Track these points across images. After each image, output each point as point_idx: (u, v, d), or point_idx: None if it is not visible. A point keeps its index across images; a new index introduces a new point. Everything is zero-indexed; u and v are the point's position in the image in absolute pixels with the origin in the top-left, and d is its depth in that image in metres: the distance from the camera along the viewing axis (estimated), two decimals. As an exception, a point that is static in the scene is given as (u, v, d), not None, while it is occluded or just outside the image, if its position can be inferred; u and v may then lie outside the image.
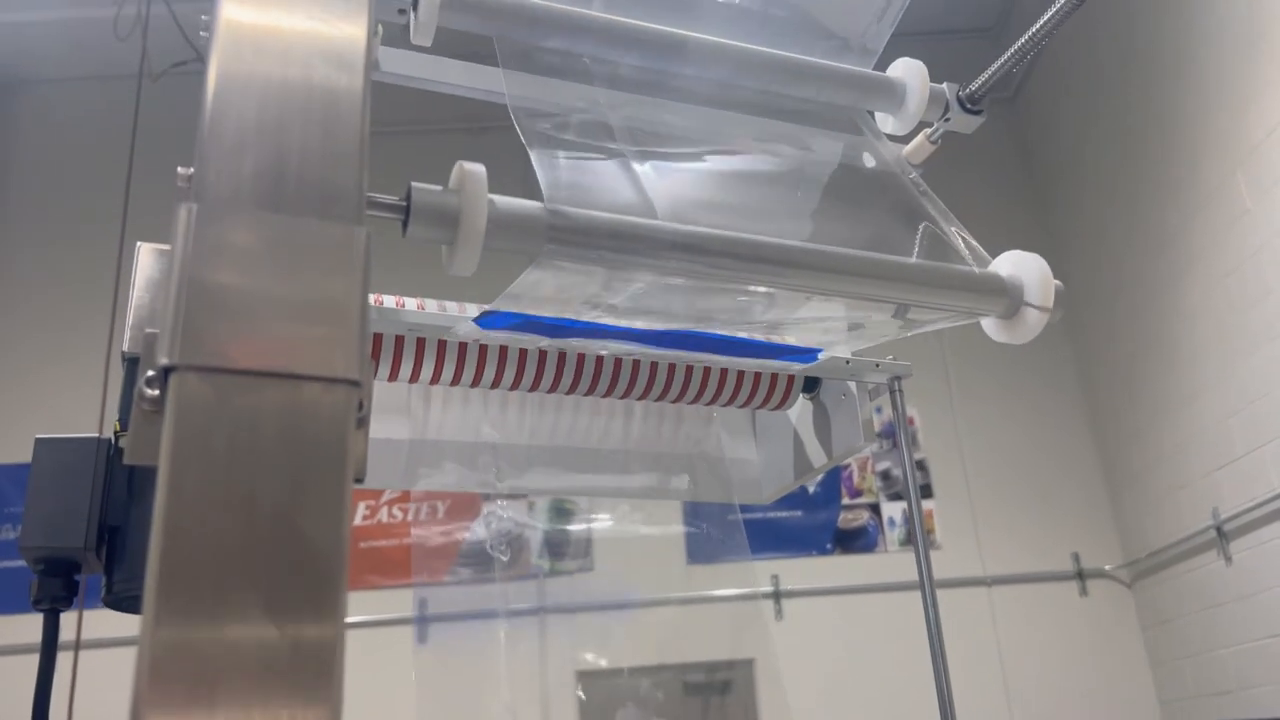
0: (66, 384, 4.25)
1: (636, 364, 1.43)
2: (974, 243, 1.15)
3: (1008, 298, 1.12)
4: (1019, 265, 1.14)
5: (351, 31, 0.82)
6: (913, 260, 1.11)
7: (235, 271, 0.64)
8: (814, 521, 4.92)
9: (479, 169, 0.99)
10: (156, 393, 0.60)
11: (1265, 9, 3.58)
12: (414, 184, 0.99)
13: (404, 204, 0.97)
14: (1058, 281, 1.12)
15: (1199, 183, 4.01)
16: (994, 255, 1.17)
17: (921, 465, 4.96)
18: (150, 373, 0.61)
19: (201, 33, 0.85)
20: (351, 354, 0.64)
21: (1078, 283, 5.01)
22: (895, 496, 4.95)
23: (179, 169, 0.86)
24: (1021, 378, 5.05)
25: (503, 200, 1.01)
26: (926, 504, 4.92)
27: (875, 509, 4.95)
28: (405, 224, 0.97)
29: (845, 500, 4.96)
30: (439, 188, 0.99)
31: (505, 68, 1.29)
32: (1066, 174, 5.23)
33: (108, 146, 4.12)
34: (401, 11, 1.23)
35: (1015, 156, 5.54)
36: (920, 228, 1.17)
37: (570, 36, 1.27)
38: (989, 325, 1.15)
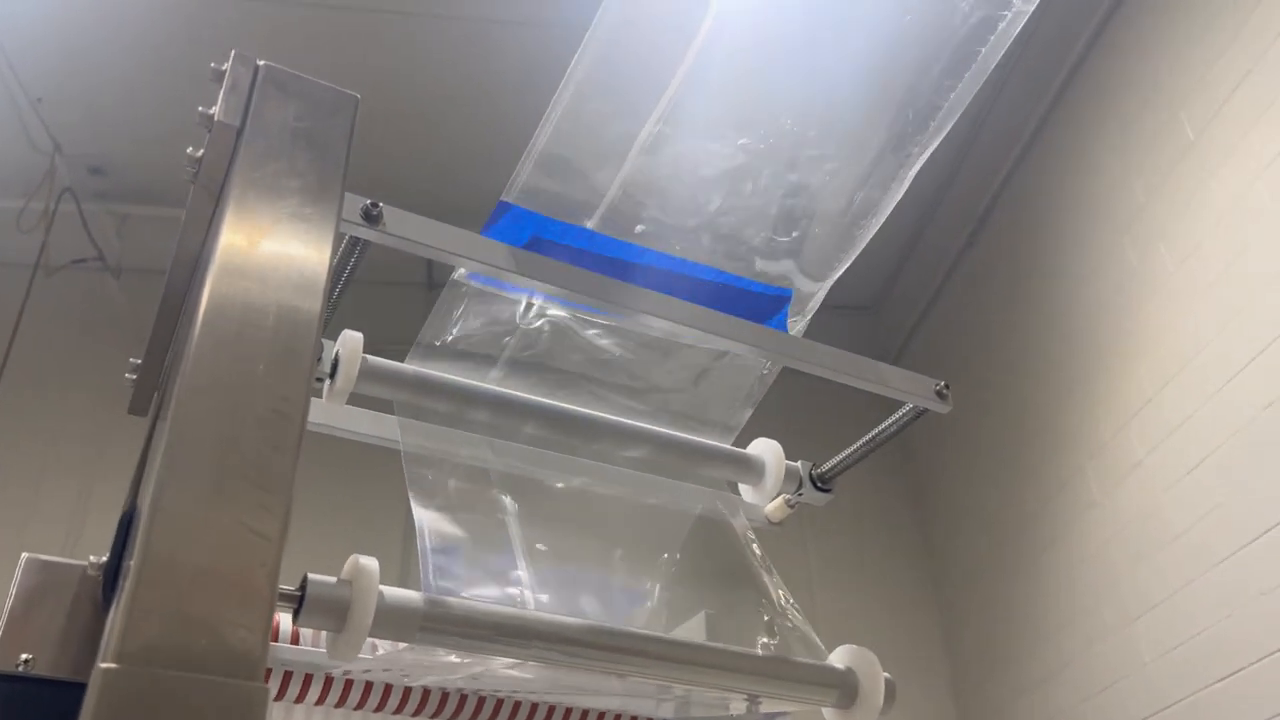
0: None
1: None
2: (810, 634, 1.28)
3: (844, 690, 1.24)
4: (855, 659, 1.28)
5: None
6: (759, 654, 1.23)
7: None
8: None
9: (372, 564, 1.09)
10: None
11: (1110, 316, 4.02)
12: (310, 575, 1.07)
13: (299, 594, 1.06)
14: (887, 674, 1.26)
15: (1053, 471, 4.34)
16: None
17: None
18: None
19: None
20: None
21: (946, 557, 5.26)
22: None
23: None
24: (887, 656, 5.16)
25: (391, 592, 1.10)
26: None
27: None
28: (297, 613, 1.06)
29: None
30: (333, 579, 1.08)
31: (401, 416, 1.42)
32: (936, 448, 5.58)
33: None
34: (319, 380, 1.36)
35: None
36: (764, 611, 1.30)
37: (467, 405, 1.41)
38: (828, 712, 1.27)
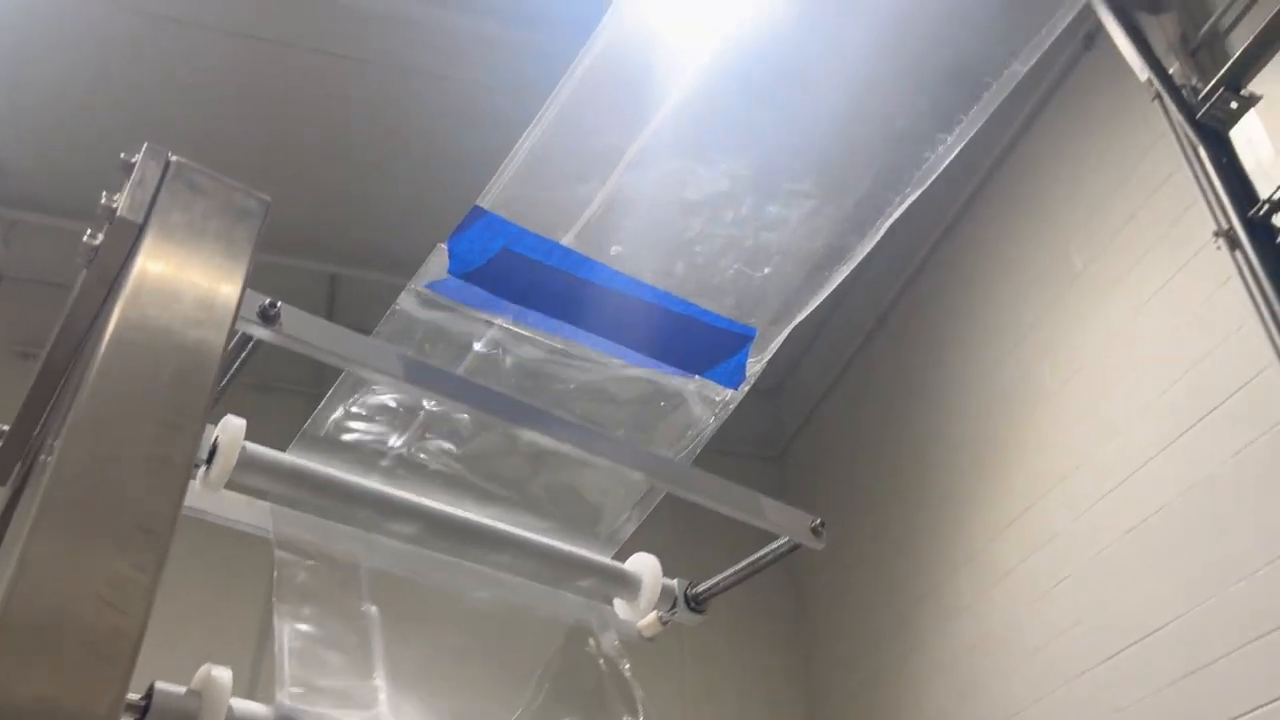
0: None
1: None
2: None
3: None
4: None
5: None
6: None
7: None
8: None
9: (224, 676, 1.06)
10: None
11: (992, 428, 4.18)
12: (157, 684, 1.04)
13: (143, 703, 1.02)
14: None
15: (927, 574, 4.46)
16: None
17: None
18: None
19: None
20: None
21: (824, 666, 5.31)
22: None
23: None
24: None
25: (241, 706, 1.07)
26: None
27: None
28: (140, 721, 1.02)
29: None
30: (182, 690, 1.05)
31: (276, 504, 1.39)
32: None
33: None
34: (196, 466, 1.33)
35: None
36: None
37: (346, 500, 1.39)
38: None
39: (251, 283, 1.04)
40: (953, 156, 1.49)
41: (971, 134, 1.48)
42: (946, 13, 1.55)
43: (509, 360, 1.45)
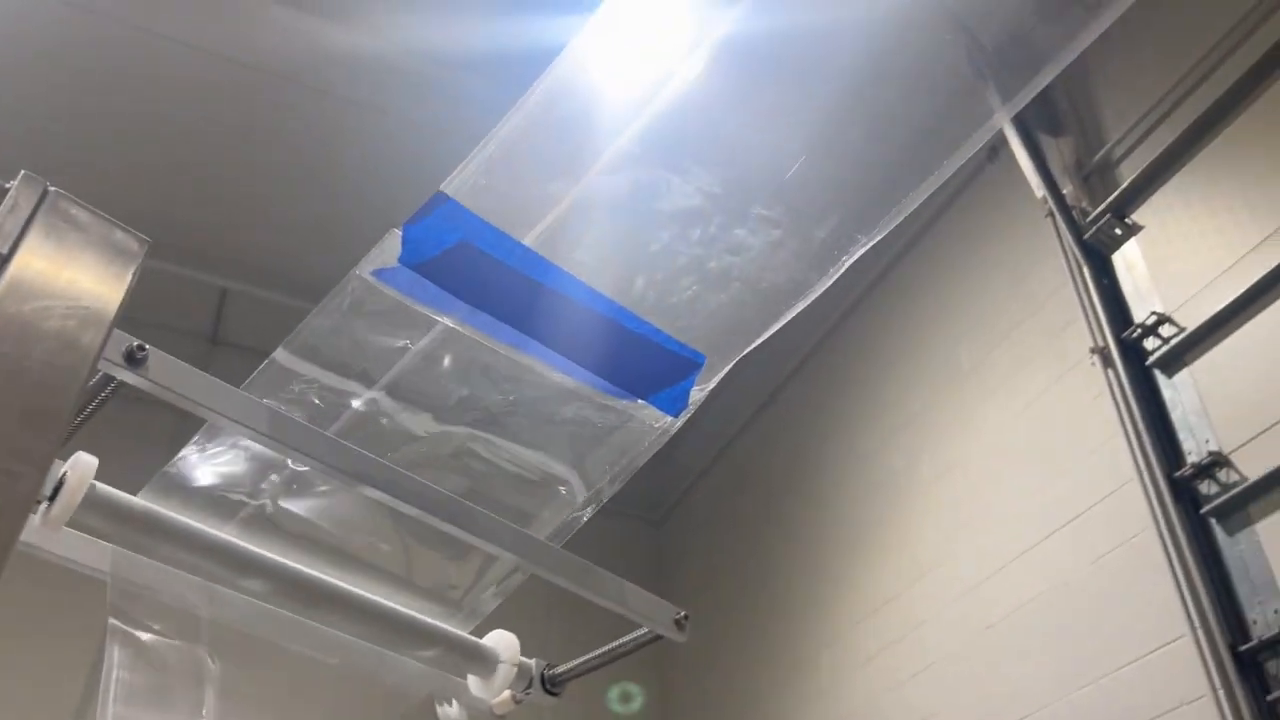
0: None
1: None
2: None
3: None
4: None
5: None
6: None
7: None
8: None
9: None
10: None
11: (867, 514, 4.26)
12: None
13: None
14: None
15: (790, 654, 4.49)
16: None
17: None
18: None
19: None
20: None
21: None
22: None
23: None
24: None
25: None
26: None
27: None
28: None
29: None
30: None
31: (117, 546, 1.32)
32: (694, 603, 5.62)
33: None
34: (38, 502, 1.26)
35: (654, 575, 5.93)
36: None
37: (193, 550, 1.33)
38: None
39: (136, 288, 1.00)
40: (918, 203, 1.50)
41: (940, 182, 1.50)
42: (917, 73, 1.58)
43: (446, 362, 1.40)
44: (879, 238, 1.50)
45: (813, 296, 1.52)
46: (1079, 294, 3.51)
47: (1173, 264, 3.28)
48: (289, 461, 1.35)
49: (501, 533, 1.31)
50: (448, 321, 1.37)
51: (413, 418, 1.35)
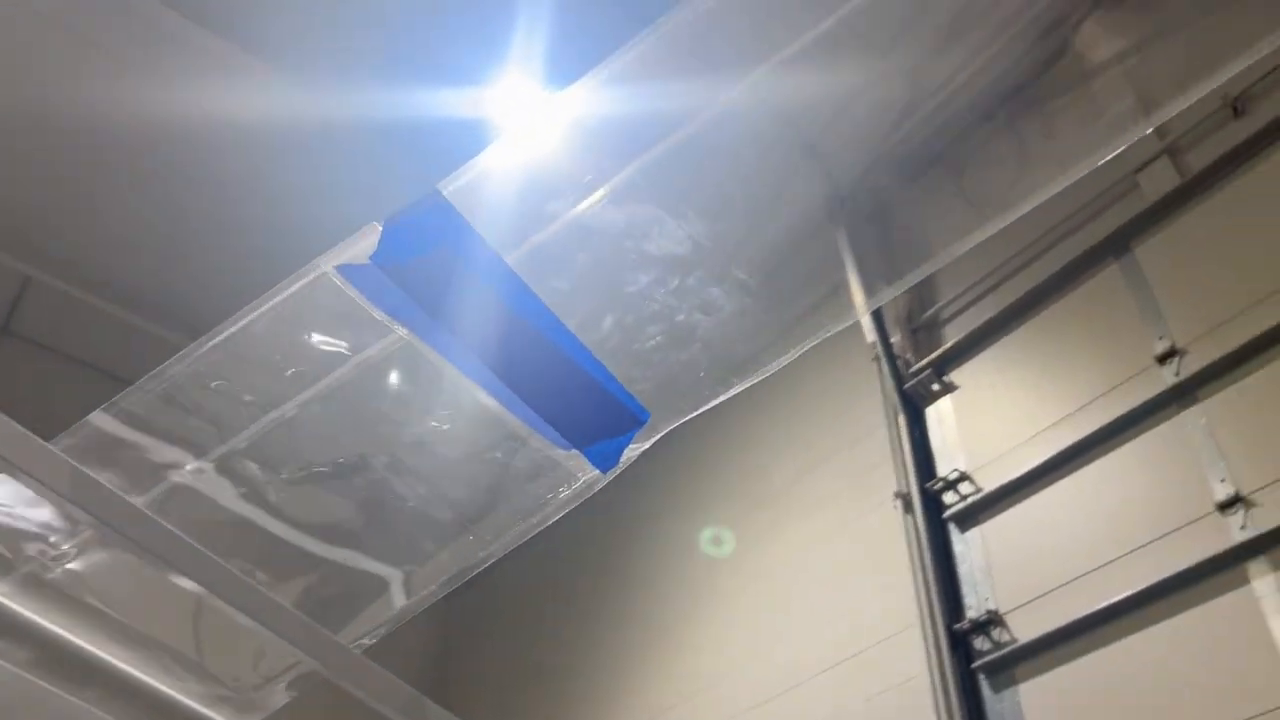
0: None
1: None
2: None
3: None
4: None
5: None
6: None
7: None
8: None
9: None
10: None
11: (659, 621, 4.27)
12: None
13: None
14: None
15: (569, 745, 4.42)
16: None
17: None
18: None
19: None
20: None
21: None
22: None
23: None
24: None
25: None
26: None
27: None
28: None
29: None
30: None
31: None
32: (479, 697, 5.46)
33: None
34: None
35: (440, 654, 5.72)
36: None
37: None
38: None
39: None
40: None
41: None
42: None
43: (393, 376, 1.29)
44: (840, 328, 1.51)
45: (764, 375, 1.53)
46: (892, 438, 3.69)
47: (980, 426, 3.51)
48: (76, 522, 1.23)
49: (298, 631, 1.23)
50: (401, 333, 1.27)
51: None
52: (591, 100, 1.32)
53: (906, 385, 3.75)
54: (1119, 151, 1.61)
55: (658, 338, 1.50)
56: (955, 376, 3.70)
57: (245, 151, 4.22)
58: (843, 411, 4.01)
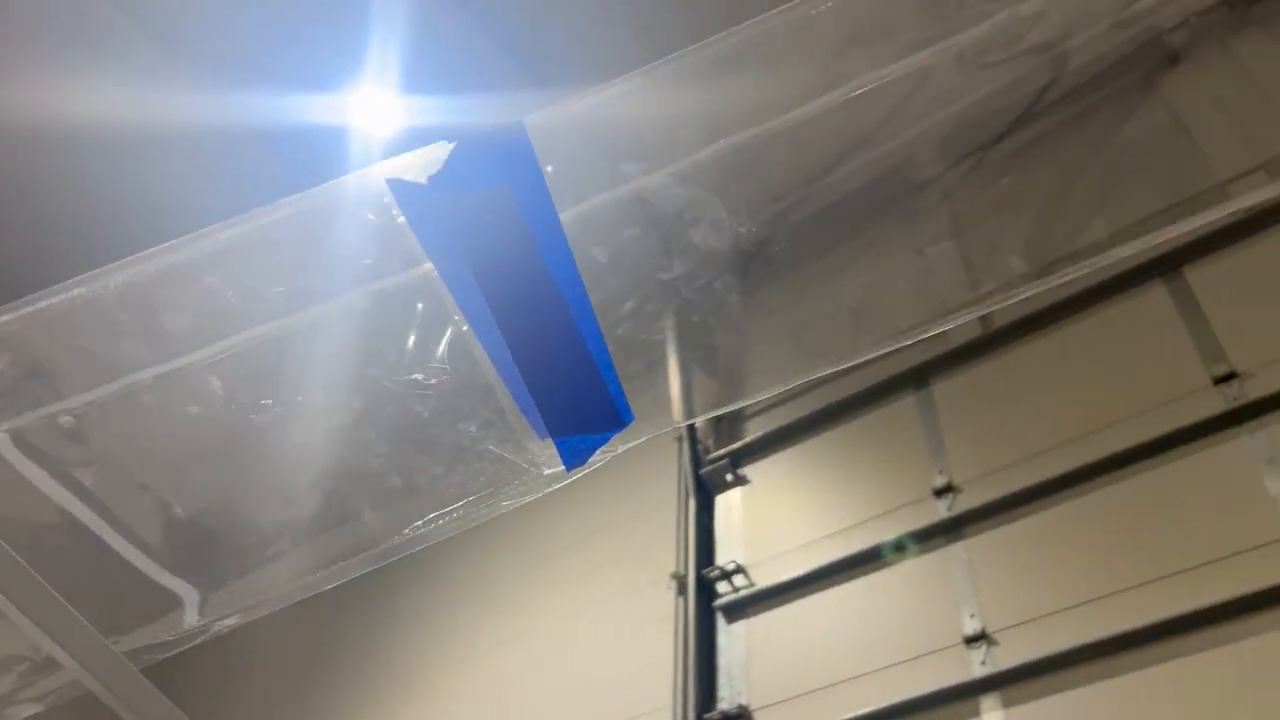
0: None
1: None
2: None
3: None
4: None
5: None
6: None
7: None
8: None
9: None
10: None
11: (416, 669, 4.12)
12: None
13: None
14: None
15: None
16: None
17: None
18: None
19: None
20: None
21: None
22: None
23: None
24: None
25: None
26: None
27: None
28: None
29: None
30: None
31: None
32: None
33: None
34: None
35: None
36: None
37: None
38: None
39: None
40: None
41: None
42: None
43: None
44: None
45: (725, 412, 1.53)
46: (679, 519, 3.75)
47: (764, 523, 3.62)
48: None
49: (65, 629, 1.10)
50: (425, 269, 1.16)
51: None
52: (699, 71, 1.26)
53: (703, 470, 3.83)
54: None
55: (668, 333, 1.49)
56: (749, 471, 3.80)
57: (94, 152, 3.91)
58: (638, 484, 4.04)
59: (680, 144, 1.37)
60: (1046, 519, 2.88)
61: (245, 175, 3.78)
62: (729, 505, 3.78)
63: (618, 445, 1.48)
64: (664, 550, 3.72)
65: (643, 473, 4.06)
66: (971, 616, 2.83)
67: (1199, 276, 2.97)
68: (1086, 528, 2.79)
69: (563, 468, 1.45)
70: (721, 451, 3.86)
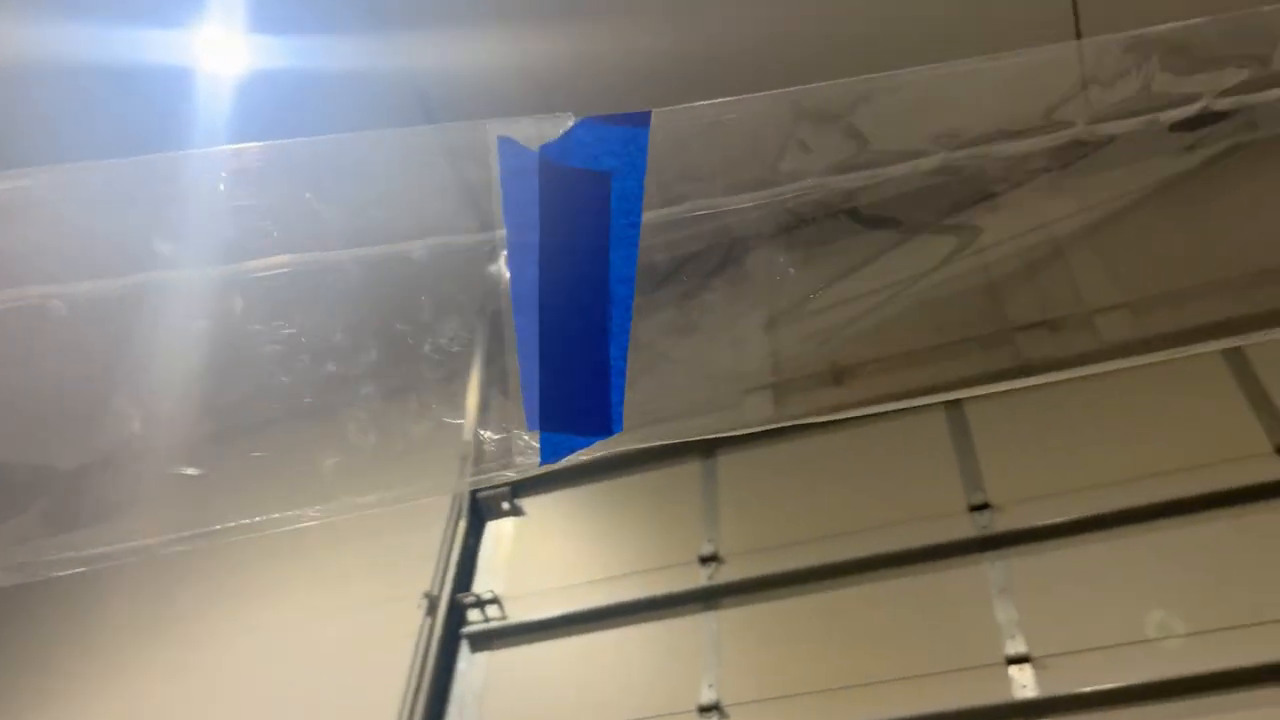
0: None
1: None
2: None
3: None
4: None
5: None
6: None
7: None
8: None
9: None
10: None
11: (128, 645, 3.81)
12: None
13: None
14: None
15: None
16: None
17: None
18: None
19: None
20: None
21: None
22: None
23: None
24: None
25: None
26: None
27: None
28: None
29: None
30: None
31: None
32: None
33: None
34: None
35: None
36: None
37: None
38: None
39: None
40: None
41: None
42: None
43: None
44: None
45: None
46: (445, 538, 3.67)
47: (530, 558, 3.59)
48: None
49: None
50: (498, 234, 1.11)
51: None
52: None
53: (480, 493, 3.77)
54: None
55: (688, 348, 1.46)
56: (526, 503, 3.78)
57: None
58: (414, 492, 3.93)
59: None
60: (797, 604, 2.99)
61: (85, 112, 3.49)
62: (499, 534, 3.73)
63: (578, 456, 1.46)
64: (424, 567, 3.62)
65: (417, 484, 3.95)
66: (710, 686, 2.89)
67: (976, 411, 3.21)
68: (831, 620, 2.92)
69: (535, 460, 1.42)
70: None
